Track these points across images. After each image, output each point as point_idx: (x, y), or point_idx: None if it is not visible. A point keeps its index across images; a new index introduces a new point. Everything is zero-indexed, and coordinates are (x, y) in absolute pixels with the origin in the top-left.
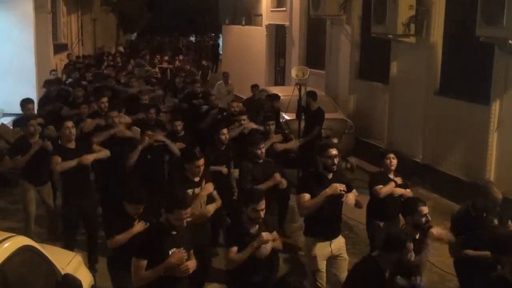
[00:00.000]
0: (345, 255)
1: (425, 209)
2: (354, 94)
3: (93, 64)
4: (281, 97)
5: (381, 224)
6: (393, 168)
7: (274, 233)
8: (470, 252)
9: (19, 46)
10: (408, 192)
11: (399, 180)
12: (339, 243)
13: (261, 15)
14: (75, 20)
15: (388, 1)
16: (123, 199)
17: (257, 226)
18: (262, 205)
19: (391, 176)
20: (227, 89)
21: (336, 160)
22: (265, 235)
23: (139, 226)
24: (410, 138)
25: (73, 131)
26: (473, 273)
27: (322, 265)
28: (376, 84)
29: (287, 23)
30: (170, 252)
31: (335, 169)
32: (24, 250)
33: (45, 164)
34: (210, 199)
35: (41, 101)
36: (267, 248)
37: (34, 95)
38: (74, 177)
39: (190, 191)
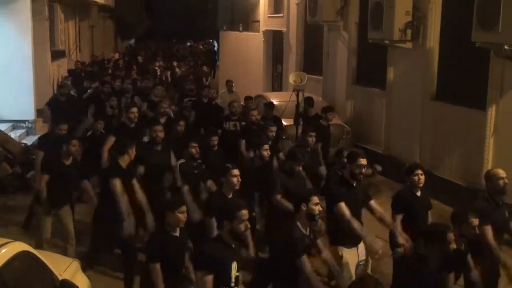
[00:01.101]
0: (368, 258)
1: (475, 221)
2: (351, 100)
3: (97, 72)
4: (278, 103)
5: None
6: (421, 185)
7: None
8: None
9: (16, 52)
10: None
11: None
12: (362, 247)
13: (258, 21)
14: (72, 27)
15: (384, 7)
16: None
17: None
18: (317, 198)
19: (418, 193)
20: (231, 98)
21: (364, 170)
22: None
23: None
24: (407, 143)
25: (133, 153)
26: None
27: (353, 271)
28: (373, 90)
29: (284, 29)
30: (232, 266)
31: (362, 178)
32: (21, 256)
33: (66, 186)
34: None
35: (52, 106)
36: None
37: (31, 102)
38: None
39: None
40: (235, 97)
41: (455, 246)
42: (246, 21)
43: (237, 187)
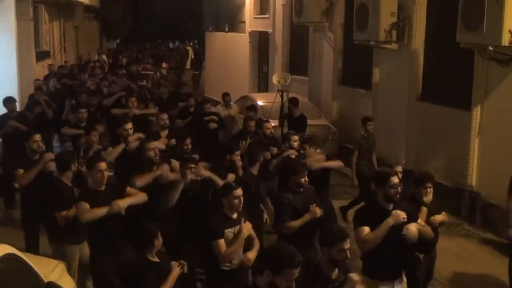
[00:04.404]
0: None
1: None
2: (337, 100)
3: (76, 74)
4: (264, 104)
5: (421, 256)
6: (425, 200)
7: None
8: None
9: (0, 53)
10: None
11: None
12: (398, 283)
13: (244, 22)
14: (57, 27)
15: (370, 8)
16: None
17: (336, 269)
18: (348, 243)
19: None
20: (228, 113)
21: (399, 189)
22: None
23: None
24: (392, 144)
25: (106, 174)
26: None
27: None
28: (359, 90)
29: (270, 30)
30: None
31: (398, 198)
32: (7, 258)
33: None
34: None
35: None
36: None
37: (16, 102)
38: (106, 227)
39: (229, 231)
40: (233, 111)
41: None
42: (232, 22)
43: (239, 208)
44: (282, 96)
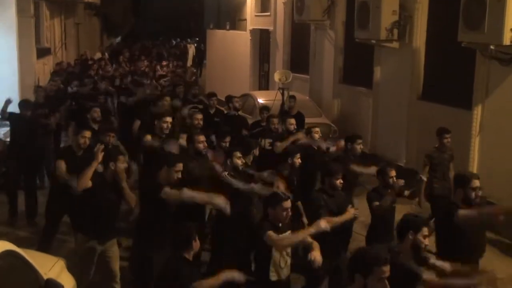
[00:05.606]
0: None
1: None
2: (338, 99)
3: (77, 72)
4: (265, 102)
5: None
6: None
7: None
8: None
9: (1, 50)
10: None
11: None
12: None
13: (245, 19)
14: (58, 24)
15: (371, 6)
16: None
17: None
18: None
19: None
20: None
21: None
22: None
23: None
24: (393, 142)
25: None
26: None
27: None
28: (359, 89)
29: (271, 28)
30: None
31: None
32: (6, 255)
33: (114, 210)
34: None
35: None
36: None
37: (16, 100)
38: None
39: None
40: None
41: None
42: (233, 19)
43: (287, 220)
44: (282, 94)
